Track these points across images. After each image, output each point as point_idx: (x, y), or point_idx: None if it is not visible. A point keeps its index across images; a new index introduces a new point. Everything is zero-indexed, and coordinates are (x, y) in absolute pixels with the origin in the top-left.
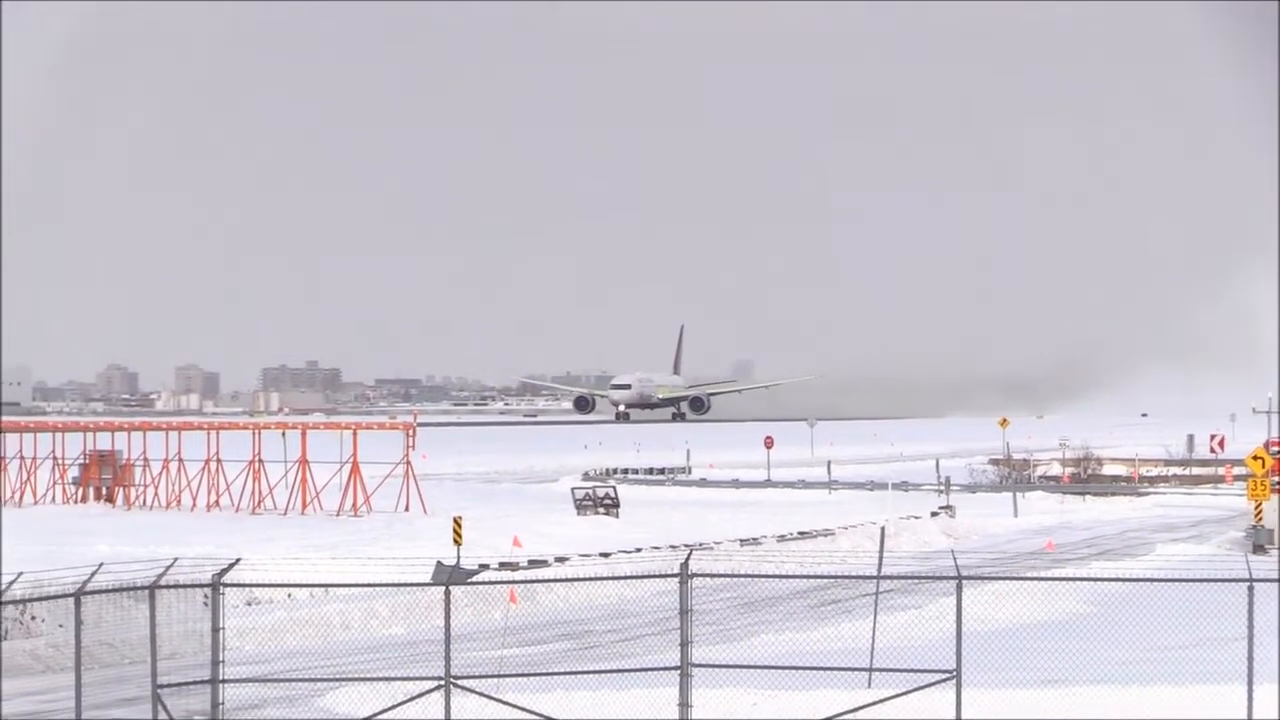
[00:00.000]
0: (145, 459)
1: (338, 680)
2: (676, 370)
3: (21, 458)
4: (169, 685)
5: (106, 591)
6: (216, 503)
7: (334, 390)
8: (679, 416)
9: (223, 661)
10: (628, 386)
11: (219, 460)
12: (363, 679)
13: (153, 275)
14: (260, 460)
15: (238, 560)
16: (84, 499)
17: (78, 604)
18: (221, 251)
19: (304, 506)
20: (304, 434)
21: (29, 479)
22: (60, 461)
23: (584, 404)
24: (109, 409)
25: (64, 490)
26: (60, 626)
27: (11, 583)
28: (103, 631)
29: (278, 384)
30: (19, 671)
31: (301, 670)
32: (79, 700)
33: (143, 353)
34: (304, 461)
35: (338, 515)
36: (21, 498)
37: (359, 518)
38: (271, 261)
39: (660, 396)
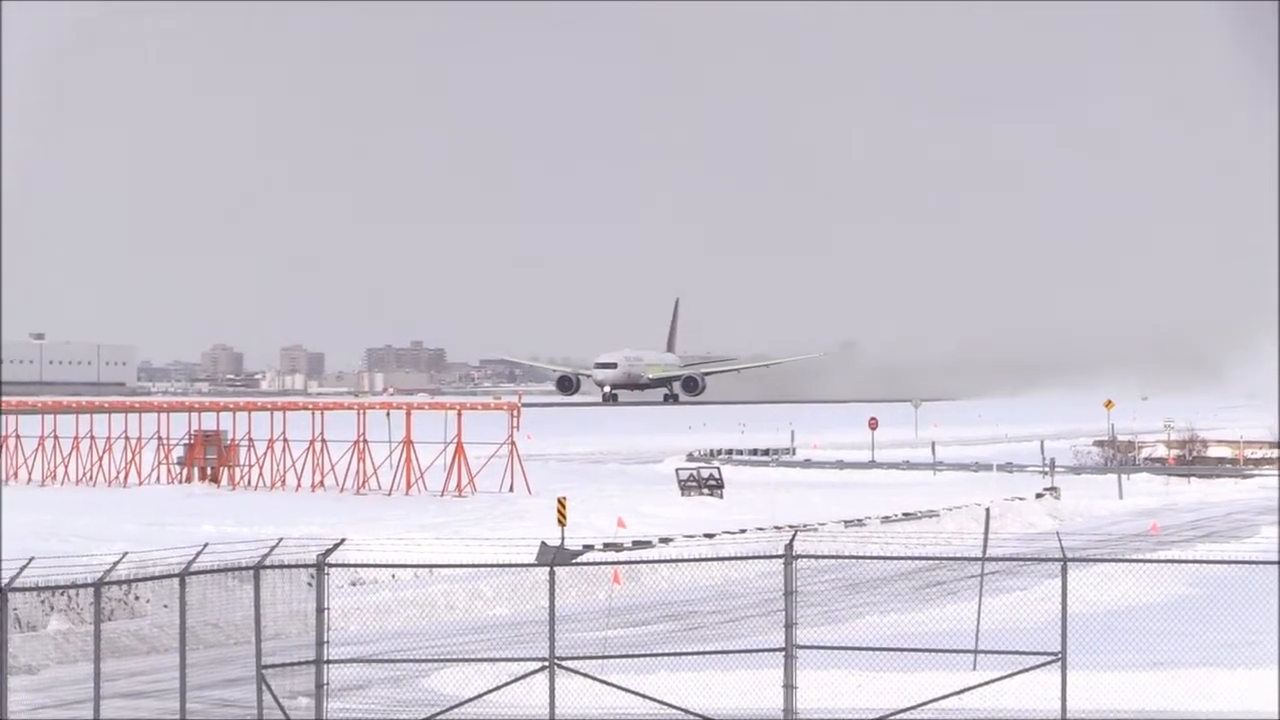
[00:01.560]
0: (250, 439)
1: (442, 661)
2: (671, 348)
3: (126, 438)
4: (273, 666)
5: (211, 572)
6: (321, 483)
7: (438, 370)
8: (671, 398)
9: (327, 642)
10: (613, 366)
11: (324, 440)
12: (467, 660)
13: (258, 255)
14: (365, 440)
15: (342, 540)
16: (189, 479)
17: (182, 584)
18: (327, 232)
19: (408, 487)
20: (408, 414)
21: (134, 459)
22: (165, 442)
23: (567, 384)
24: (214, 389)
25: (169, 470)
26: (165, 607)
27: (116, 563)
28: (207, 612)
29: (382, 364)
30: (124, 652)
31: (406, 651)
32: (183, 681)
33: (248, 333)
34: (408, 442)
35: (442, 495)
36: (126, 478)
37: (463, 498)
38: (376, 242)
39: (650, 376)
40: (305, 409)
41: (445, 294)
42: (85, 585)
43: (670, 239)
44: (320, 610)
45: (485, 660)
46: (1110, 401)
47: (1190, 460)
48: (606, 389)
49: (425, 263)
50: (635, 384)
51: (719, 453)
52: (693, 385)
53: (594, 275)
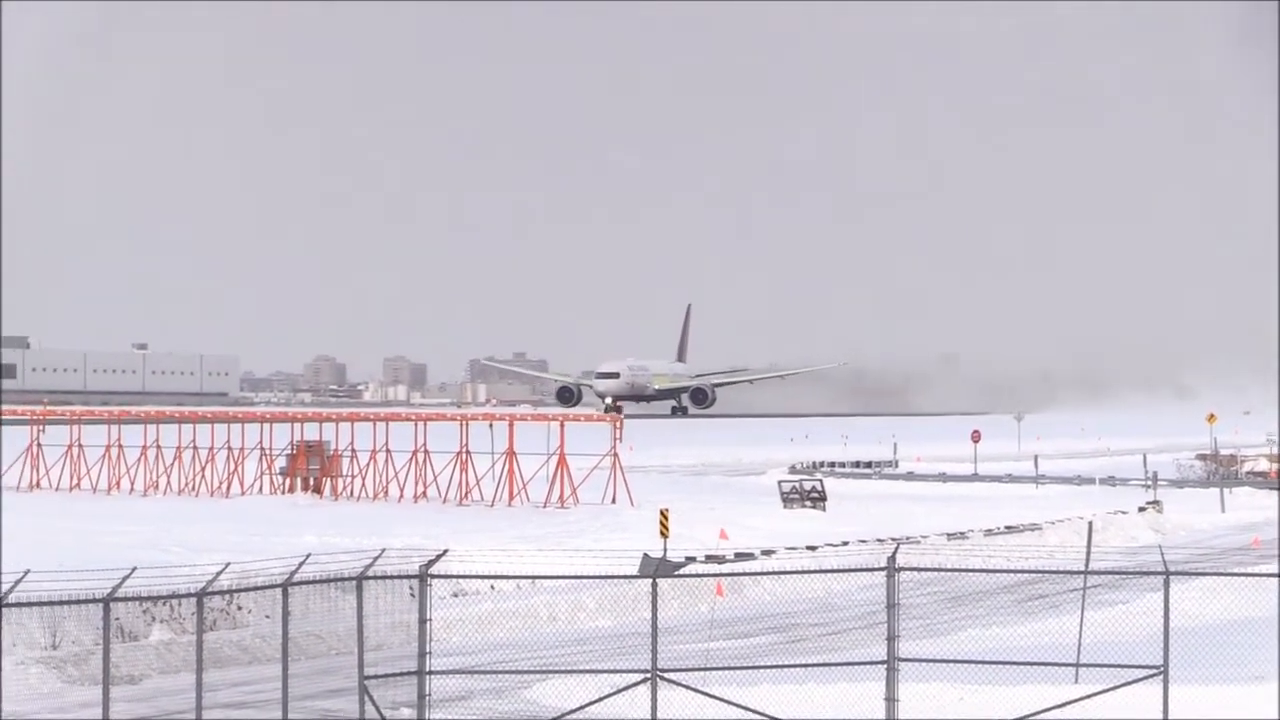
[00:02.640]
0: (353, 449)
1: (544, 672)
2: (681, 357)
3: (229, 448)
4: (375, 676)
5: (314, 582)
6: (424, 493)
7: (541, 382)
8: (680, 410)
9: (429, 653)
10: (615, 375)
11: (426, 451)
12: (569, 671)
13: (359, 268)
14: (467, 451)
15: (445, 551)
16: (291, 489)
17: (285, 595)
18: (428, 244)
19: (511, 498)
20: (511, 425)
21: (236, 469)
22: (268, 452)
23: (568, 395)
24: (317, 400)
25: (271, 481)
26: (267, 617)
27: (219, 573)
28: (310, 622)
29: (485, 375)
30: (226, 662)
31: (508, 662)
32: (285, 691)
33: (351, 344)
34: (511, 453)
35: (544, 507)
36: (229, 488)
37: (566, 509)
38: (477, 253)
39: (656, 387)
40: (408, 420)
41: (547, 303)
42: (188, 595)
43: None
44: (423, 621)
45: (587, 672)
46: (1213, 415)
47: None
48: (608, 400)
49: (527, 271)
50: (640, 395)
51: (821, 465)
52: (701, 397)
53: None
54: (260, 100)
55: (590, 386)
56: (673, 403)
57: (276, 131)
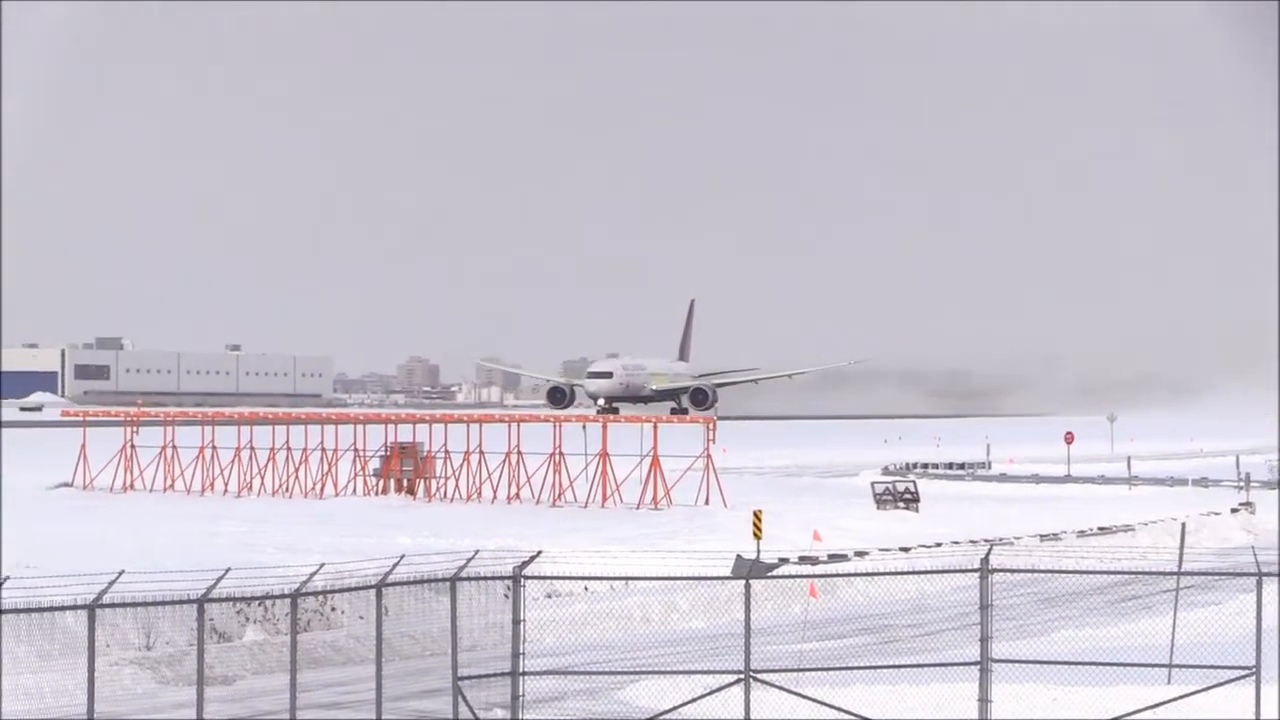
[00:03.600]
0: (446, 451)
1: (637, 673)
2: (684, 356)
3: (323, 450)
4: (469, 677)
5: (408, 583)
6: (517, 495)
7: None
8: (679, 412)
9: (523, 654)
10: (608, 375)
11: (519, 453)
12: (663, 672)
13: (453, 268)
14: (561, 453)
15: (539, 553)
16: (385, 491)
17: (379, 596)
18: (520, 245)
19: (604, 499)
20: (604, 427)
21: (330, 471)
22: (361, 454)
23: (560, 396)
24: (410, 401)
25: (365, 482)
26: (361, 618)
27: (313, 574)
28: (404, 623)
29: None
30: (320, 663)
31: (601, 663)
32: (379, 692)
33: (444, 345)
34: (604, 454)
35: (638, 508)
36: (322, 490)
37: (659, 511)
38: (568, 253)
39: (654, 388)
40: (501, 421)
41: (639, 304)
42: (282, 596)
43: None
44: (516, 622)
45: (681, 673)
46: None
47: None
48: (600, 401)
49: (620, 271)
50: (637, 396)
51: (914, 466)
52: (701, 398)
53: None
54: (367, 97)
55: (583, 386)
56: (672, 404)
57: (370, 130)
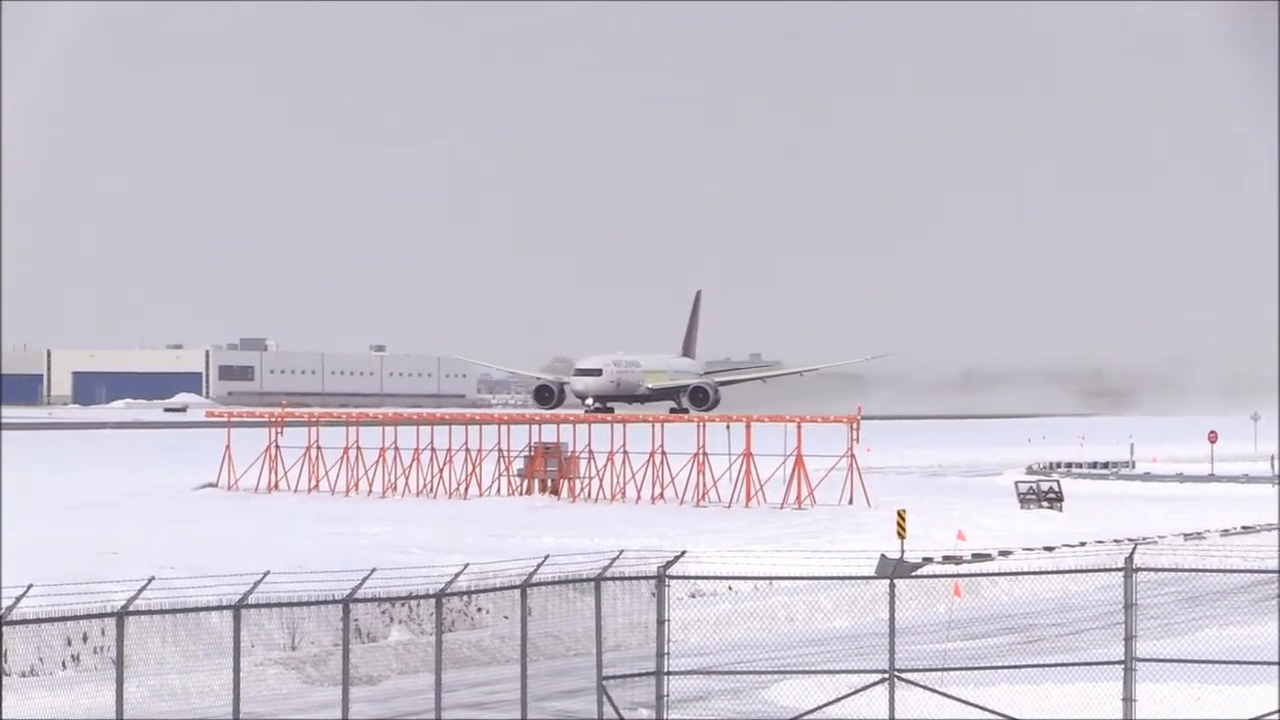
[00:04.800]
0: (590, 451)
1: (782, 673)
2: (688, 351)
3: (467, 450)
4: (614, 677)
5: (552, 583)
6: (661, 495)
7: (778, 383)
8: (680, 411)
9: (667, 654)
10: (596, 372)
11: (663, 453)
12: (807, 672)
13: (600, 266)
14: (704, 452)
15: (683, 553)
16: (529, 491)
17: (524, 596)
18: (667, 243)
19: (748, 499)
20: (748, 426)
21: (474, 471)
22: (505, 454)
23: (547, 395)
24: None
25: (509, 482)
26: (505, 618)
27: (457, 574)
28: (548, 623)
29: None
30: (464, 663)
31: (745, 662)
32: (524, 692)
33: (587, 345)
34: (748, 454)
35: (781, 508)
36: (466, 490)
37: (803, 510)
38: (715, 253)
39: (650, 386)
40: (645, 421)
41: (778, 302)
42: (426, 596)
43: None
44: (661, 621)
45: (825, 672)
46: None
47: None
48: (589, 401)
49: (762, 269)
50: (631, 395)
51: (1058, 466)
52: (701, 397)
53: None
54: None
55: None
56: (671, 404)
57: (506, 127)
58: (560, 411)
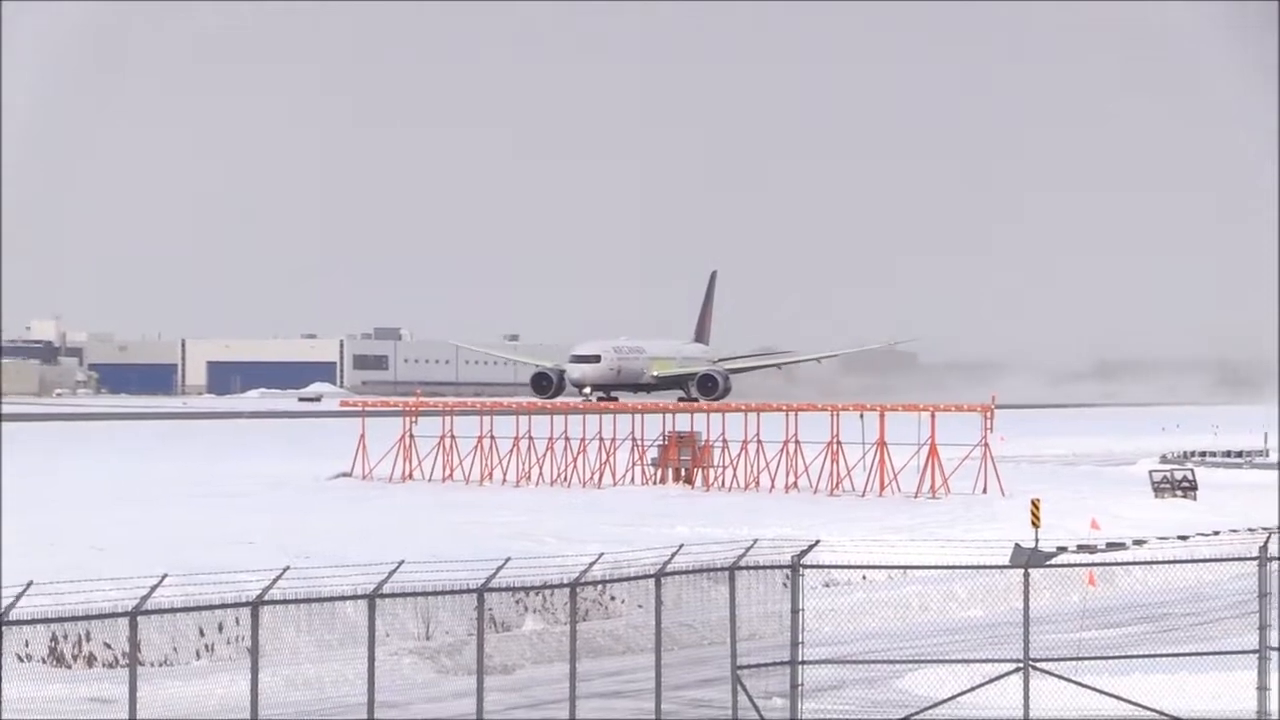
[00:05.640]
0: (724, 440)
1: (916, 662)
2: (701, 337)
3: (600, 439)
4: (748, 666)
5: (686, 572)
6: (795, 484)
7: (909, 372)
8: (689, 401)
9: (801, 643)
10: (594, 359)
11: (797, 442)
12: (941, 661)
13: (736, 258)
14: (838, 442)
15: (817, 542)
16: (663, 480)
17: (658, 585)
18: (802, 232)
19: (882, 488)
20: (882, 415)
21: (608, 460)
22: (639, 443)
23: (545, 383)
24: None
25: (643, 472)
26: (639, 608)
27: (591, 564)
28: (682, 612)
29: (855, 366)
30: (599, 652)
31: (879, 652)
32: (659, 681)
33: (723, 335)
34: (881, 443)
35: (915, 497)
36: (600, 479)
37: (937, 500)
38: (847, 243)
39: (655, 374)
40: (779, 410)
41: (912, 290)
42: (560, 586)
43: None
44: (795, 611)
45: (959, 661)
46: None
47: None
48: (586, 390)
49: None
50: (634, 383)
51: (1192, 454)
52: (711, 385)
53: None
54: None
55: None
56: (679, 392)
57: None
58: (694, 400)
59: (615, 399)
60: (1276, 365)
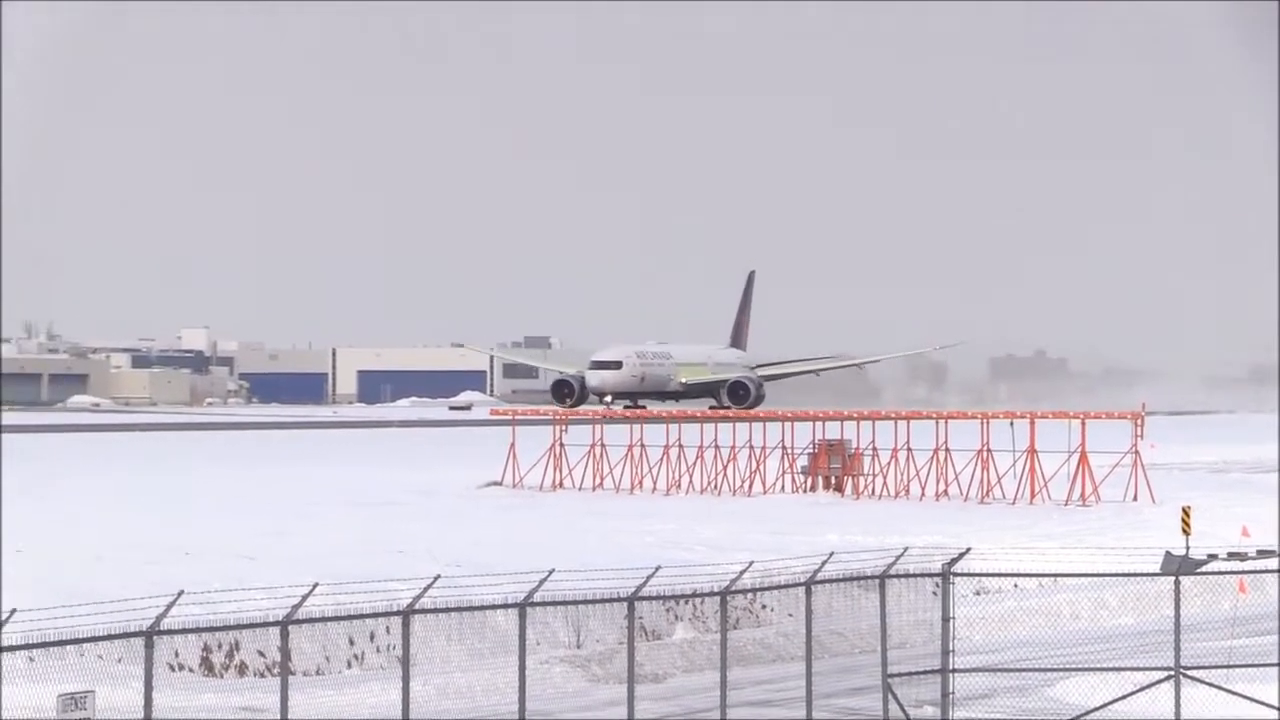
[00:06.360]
0: (874, 448)
1: (1067, 670)
2: (738, 342)
3: (751, 447)
4: (899, 674)
5: (836, 581)
6: (945, 492)
7: (1060, 379)
8: (720, 408)
9: (952, 651)
10: (615, 365)
11: (947, 449)
12: (1093, 669)
13: (878, 263)
14: (988, 449)
15: (967, 550)
16: (813, 488)
17: (808, 593)
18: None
19: (1032, 496)
20: (1032, 423)
21: (758, 468)
22: (789, 451)
23: (567, 391)
24: (837, 399)
25: (793, 480)
26: (790, 616)
27: (741, 572)
28: (833, 621)
29: (1005, 373)
30: (749, 660)
31: (1030, 660)
32: (809, 689)
33: (868, 343)
34: (1032, 451)
35: (1066, 505)
36: (750, 487)
37: (1087, 507)
38: (982, 245)
39: (683, 381)
40: (929, 418)
41: (1065, 298)
42: (711, 594)
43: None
44: (946, 619)
45: (1110, 669)
46: None
47: None
48: (608, 399)
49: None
50: (661, 391)
51: None
52: (742, 393)
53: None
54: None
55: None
56: (711, 400)
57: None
58: (844, 409)
59: (643, 407)
60: None
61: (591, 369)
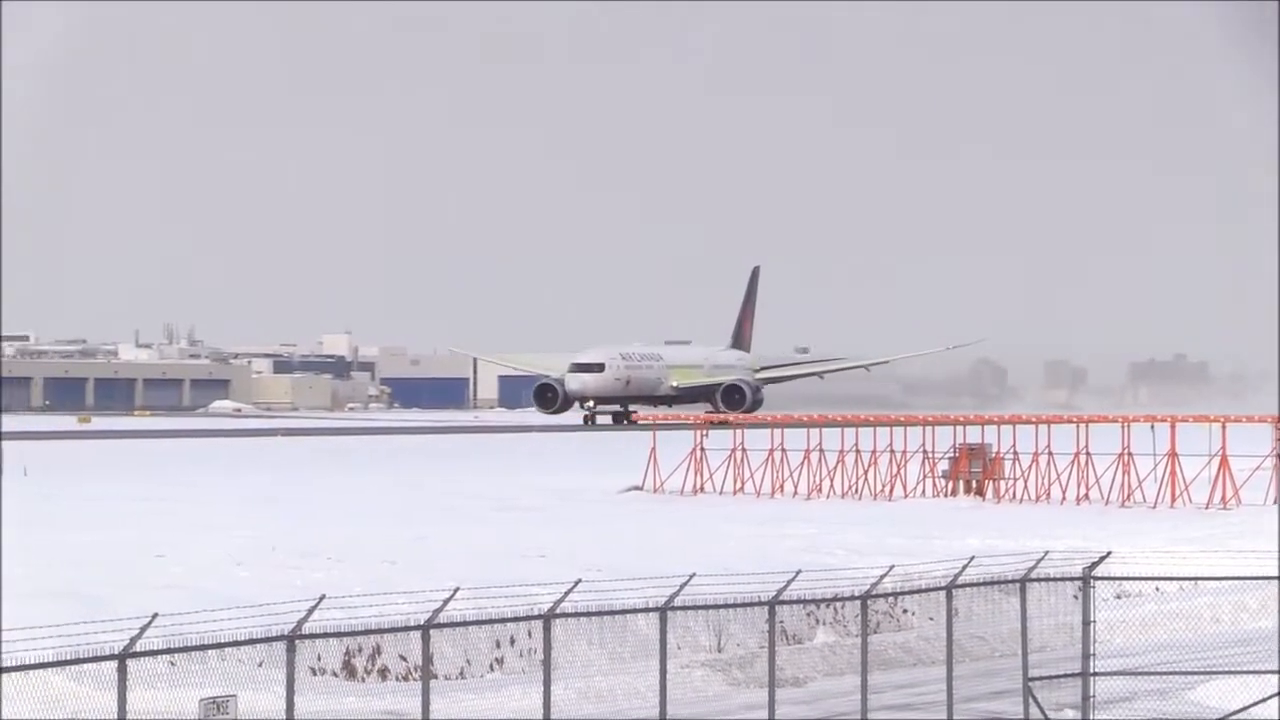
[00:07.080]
0: (1015, 452)
1: (1208, 673)
2: (740, 343)
3: (891, 451)
4: (1039, 678)
5: (977, 584)
6: (1085, 496)
7: (1202, 383)
8: (717, 413)
9: (1093, 655)
10: (597, 368)
11: (1088, 453)
12: (1234, 672)
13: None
14: (1129, 453)
15: (1108, 553)
16: (953, 492)
17: (949, 597)
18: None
19: (1173, 499)
20: (1173, 426)
21: (899, 473)
22: (930, 455)
23: (550, 396)
24: (977, 403)
25: (934, 484)
26: (930, 620)
27: (882, 576)
28: (973, 624)
29: (1146, 377)
30: (890, 664)
31: (1171, 663)
32: (950, 693)
33: (1010, 346)
34: (1173, 454)
35: (1206, 508)
36: (891, 491)
37: (1228, 511)
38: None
39: (676, 384)
40: (1069, 422)
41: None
42: (851, 598)
43: None
44: (1086, 623)
45: (1251, 673)
46: None
47: None
48: (589, 404)
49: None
50: (651, 395)
51: None
52: (737, 398)
53: None
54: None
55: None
56: (707, 404)
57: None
58: (984, 413)
59: (632, 413)
60: None
61: (571, 372)
